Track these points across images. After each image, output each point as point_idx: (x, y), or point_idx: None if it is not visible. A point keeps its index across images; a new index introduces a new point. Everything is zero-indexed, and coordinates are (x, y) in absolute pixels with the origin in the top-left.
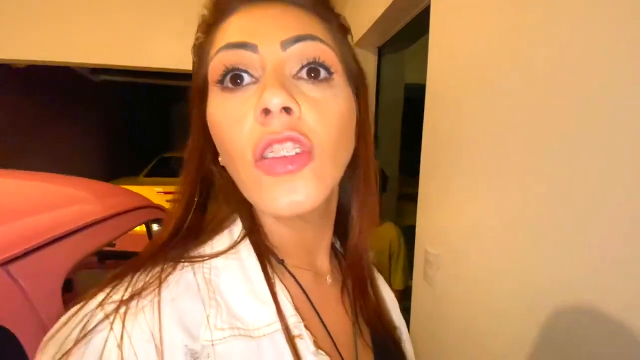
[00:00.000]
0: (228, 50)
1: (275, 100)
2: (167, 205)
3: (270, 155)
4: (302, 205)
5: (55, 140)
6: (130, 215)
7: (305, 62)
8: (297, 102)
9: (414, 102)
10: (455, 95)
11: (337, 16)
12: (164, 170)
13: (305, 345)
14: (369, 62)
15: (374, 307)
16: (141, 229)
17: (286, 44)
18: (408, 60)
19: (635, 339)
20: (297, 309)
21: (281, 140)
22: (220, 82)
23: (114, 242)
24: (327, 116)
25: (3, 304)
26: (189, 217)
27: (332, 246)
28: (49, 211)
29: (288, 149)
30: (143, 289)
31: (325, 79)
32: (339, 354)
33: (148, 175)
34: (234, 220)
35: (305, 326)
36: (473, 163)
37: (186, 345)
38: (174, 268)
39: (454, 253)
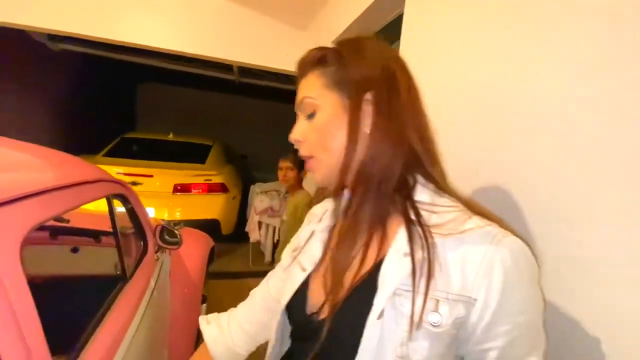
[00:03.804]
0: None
1: (291, 138)
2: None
3: None
4: (317, 182)
5: (5, 109)
6: (89, 187)
7: (305, 114)
8: (300, 137)
9: None
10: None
11: (331, 55)
12: (124, 151)
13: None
14: None
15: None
16: (95, 207)
17: (298, 108)
18: None
19: None
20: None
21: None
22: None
23: (67, 219)
24: (316, 132)
25: None
26: None
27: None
28: (5, 172)
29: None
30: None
31: (313, 115)
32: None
33: (107, 155)
34: None
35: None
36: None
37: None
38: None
39: None
